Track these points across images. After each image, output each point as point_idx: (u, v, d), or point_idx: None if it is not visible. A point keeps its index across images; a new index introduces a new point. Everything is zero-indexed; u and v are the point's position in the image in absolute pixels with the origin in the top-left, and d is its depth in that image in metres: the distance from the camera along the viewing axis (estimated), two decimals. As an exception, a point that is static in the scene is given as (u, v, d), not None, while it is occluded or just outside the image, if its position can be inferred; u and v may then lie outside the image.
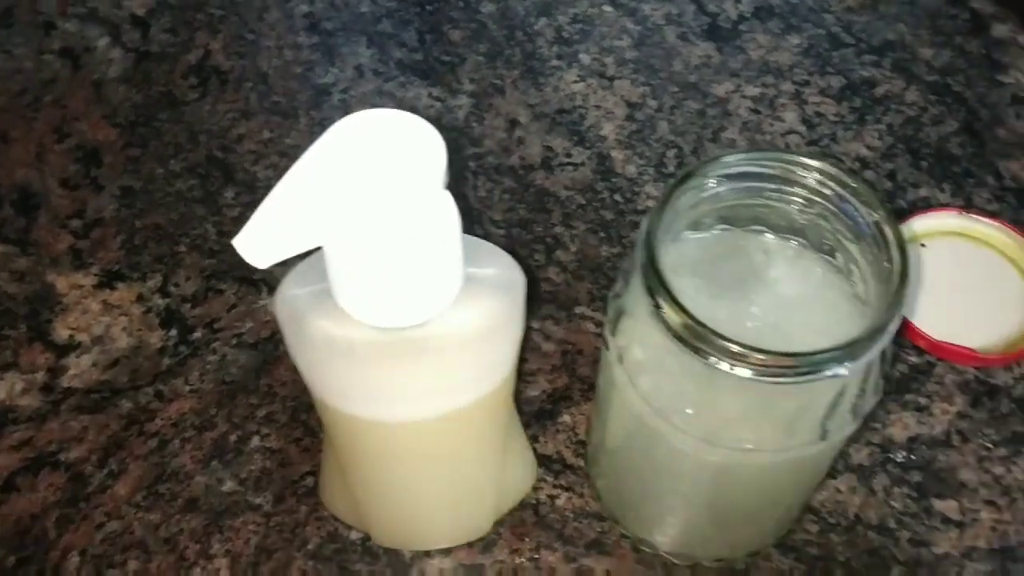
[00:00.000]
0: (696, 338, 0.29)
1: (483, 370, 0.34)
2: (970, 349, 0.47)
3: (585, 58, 0.61)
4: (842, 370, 0.29)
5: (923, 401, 0.47)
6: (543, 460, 0.46)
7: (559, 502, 0.45)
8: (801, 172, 0.33)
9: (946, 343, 0.47)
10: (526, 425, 0.47)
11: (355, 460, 0.38)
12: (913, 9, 0.62)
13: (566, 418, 0.47)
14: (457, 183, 0.56)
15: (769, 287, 0.36)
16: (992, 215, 0.52)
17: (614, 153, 0.57)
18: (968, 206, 0.53)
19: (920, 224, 0.52)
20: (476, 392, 0.34)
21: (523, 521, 0.45)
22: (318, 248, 0.28)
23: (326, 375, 0.33)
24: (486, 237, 0.53)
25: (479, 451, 0.38)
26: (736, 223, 0.36)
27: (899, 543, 0.43)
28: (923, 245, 0.51)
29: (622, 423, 0.36)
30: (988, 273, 0.50)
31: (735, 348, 0.29)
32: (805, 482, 0.37)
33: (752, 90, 0.59)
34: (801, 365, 0.29)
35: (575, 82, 0.60)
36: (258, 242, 0.27)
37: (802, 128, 0.57)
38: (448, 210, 0.30)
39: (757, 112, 0.58)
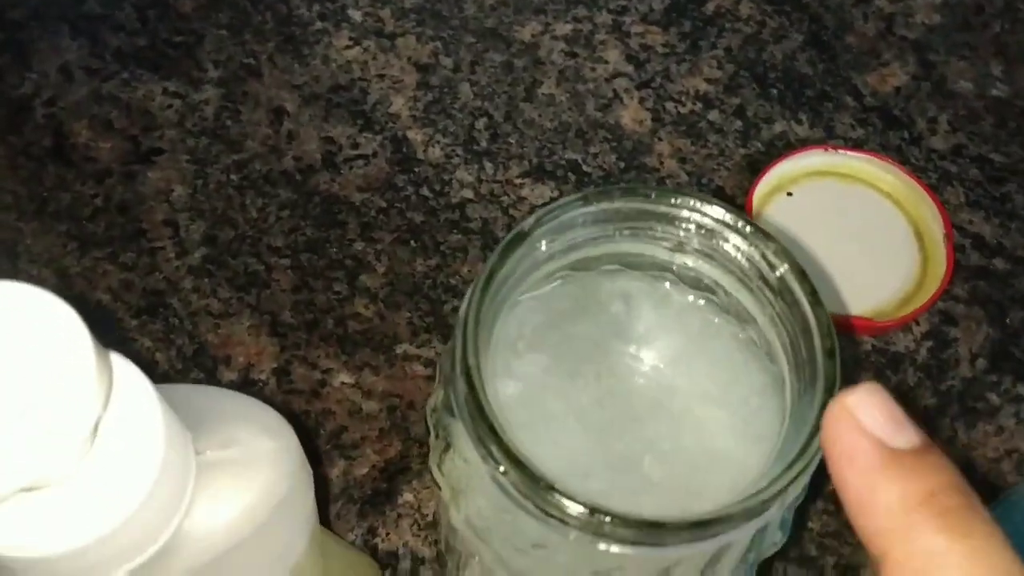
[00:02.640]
0: (556, 511, 0.20)
1: (262, 567, 0.23)
2: (862, 317, 0.40)
3: (355, 14, 0.49)
4: (746, 530, 0.21)
5: (820, 388, 0.40)
6: (387, 559, 0.37)
7: (417, 611, 0.36)
8: (661, 212, 0.23)
9: (834, 315, 0.40)
10: (359, 515, 0.37)
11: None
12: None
13: (408, 496, 0.38)
14: (219, 204, 0.44)
15: (638, 346, 0.27)
16: (858, 145, 0.45)
17: (411, 134, 0.45)
18: (830, 137, 0.45)
19: (783, 169, 0.44)
20: (263, 590, 0.24)
21: (376, 647, 0.35)
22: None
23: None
24: (267, 271, 0.42)
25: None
26: (583, 267, 0.27)
27: (825, 572, 0.37)
28: (789, 194, 0.44)
29: (464, 546, 0.27)
30: (868, 217, 0.43)
31: (623, 526, 0.19)
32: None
33: (563, 28, 0.48)
34: (710, 528, 0.20)
35: (348, 47, 0.48)
36: None
37: (629, 68, 0.47)
38: (135, 395, 0.18)
39: (573, 55, 0.48)
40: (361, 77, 0.47)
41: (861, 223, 0.43)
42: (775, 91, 0.47)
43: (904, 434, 0.17)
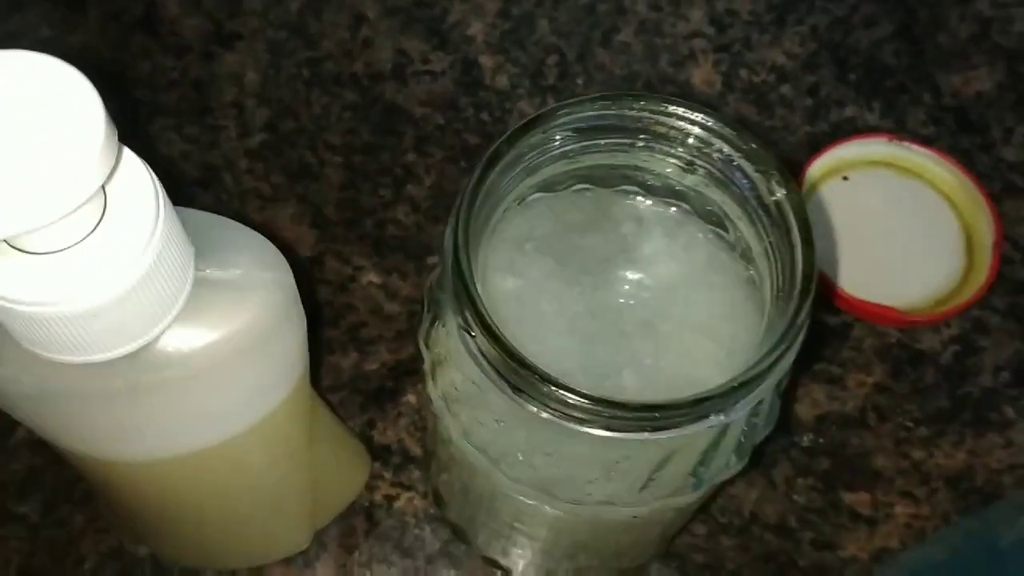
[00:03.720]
0: (516, 377, 0.21)
1: (239, 399, 0.24)
2: (893, 309, 0.39)
3: (451, -64, 0.49)
4: (719, 418, 0.21)
5: (836, 371, 0.40)
6: (380, 451, 0.38)
7: (398, 504, 0.37)
8: (676, 125, 0.23)
9: (866, 301, 0.40)
10: (361, 407, 0.39)
11: (113, 493, 0.29)
12: None
13: (411, 398, 0.39)
14: (286, 95, 0.46)
15: (641, 268, 0.27)
16: (927, 142, 0.44)
17: (483, 59, 0.46)
18: (900, 130, 0.44)
19: (843, 152, 0.43)
20: (238, 423, 0.25)
21: (353, 529, 0.36)
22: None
23: (31, 416, 0.24)
24: (320, 166, 0.43)
25: (267, 474, 0.29)
26: (601, 183, 0.27)
27: (800, 546, 0.37)
28: (845, 178, 0.43)
29: (446, 448, 0.27)
30: (920, 213, 0.42)
31: (567, 397, 0.20)
32: (680, 521, 0.30)
33: (652, -19, 0.48)
34: (663, 418, 0.20)
35: (438, -33, 0.48)
36: None
37: (710, 30, 0.47)
38: (137, 184, 0.20)
39: (658, 8, 0.48)
40: (445, -3, 0.48)
41: (912, 218, 0.42)
42: (853, 76, 0.46)
43: None
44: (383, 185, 0.43)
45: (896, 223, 0.42)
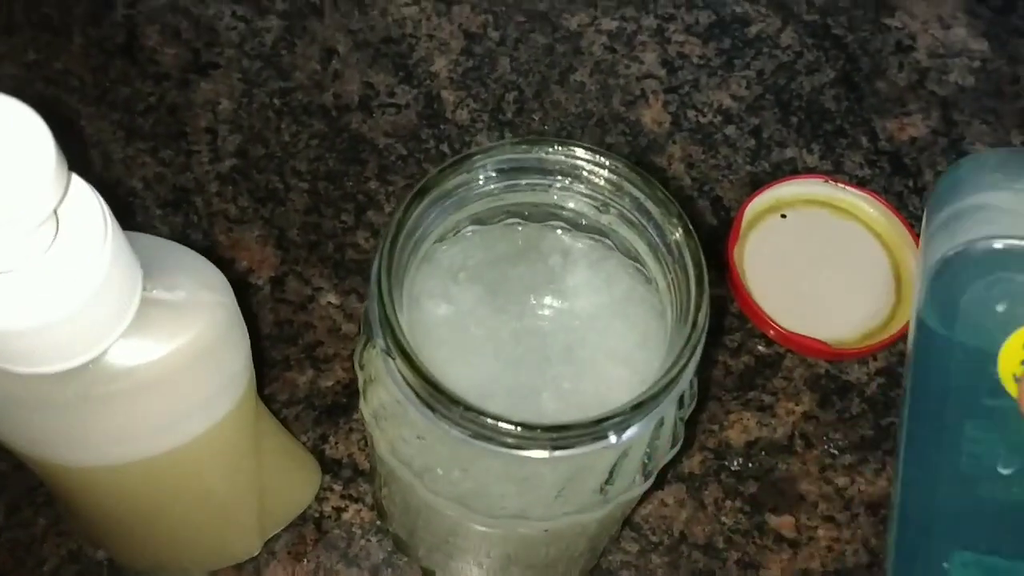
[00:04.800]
0: (431, 398, 0.23)
1: (185, 411, 0.26)
2: (822, 342, 0.42)
3: (421, -24, 0.52)
4: (617, 439, 0.23)
5: (767, 399, 0.42)
6: (331, 465, 0.40)
7: (346, 515, 0.39)
8: (588, 169, 0.26)
9: (796, 334, 0.42)
10: (315, 421, 0.41)
11: (70, 498, 0.31)
12: (800, -67, 0.55)
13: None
14: (257, 123, 0.48)
15: (565, 298, 0.29)
16: (862, 184, 0.46)
17: (445, 94, 0.49)
18: (837, 172, 0.47)
19: (782, 191, 0.46)
20: (185, 433, 0.27)
21: (302, 538, 0.38)
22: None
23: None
24: (286, 191, 0.45)
25: (215, 482, 0.31)
26: (530, 218, 0.30)
27: (726, 565, 0.39)
28: (783, 216, 0.45)
29: (383, 464, 0.30)
30: (852, 251, 0.45)
31: (475, 418, 0.22)
32: (599, 534, 0.32)
33: (610, 23, 0.51)
34: (562, 438, 0.22)
35: (406, 6, 0.51)
36: None
37: (661, 72, 0.50)
38: (87, 211, 0.22)
39: (613, 51, 0.50)
40: (412, 34, 0.50)
41: (845, 255, 0.45)
42: (795, 119, 0.48)
43: None
44: (345, 211, 0.45)
45: (829, 260, 0.44)
